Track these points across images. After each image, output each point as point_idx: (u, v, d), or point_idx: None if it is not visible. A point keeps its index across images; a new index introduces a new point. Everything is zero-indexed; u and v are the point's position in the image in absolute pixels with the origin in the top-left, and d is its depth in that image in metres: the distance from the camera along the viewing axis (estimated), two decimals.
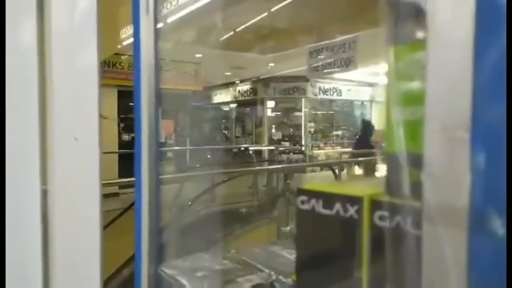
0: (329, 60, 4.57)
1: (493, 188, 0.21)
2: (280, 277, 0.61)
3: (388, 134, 0.28)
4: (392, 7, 0.27)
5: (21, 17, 0.64)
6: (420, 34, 0.24)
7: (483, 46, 0.22)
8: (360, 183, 0.37)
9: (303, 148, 9.78)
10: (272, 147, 8.60)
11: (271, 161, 8.08)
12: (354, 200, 0.31)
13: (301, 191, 0.36)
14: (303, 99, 10.16)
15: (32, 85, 0.61)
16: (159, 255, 0.62)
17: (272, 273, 0.61)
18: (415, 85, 0.26)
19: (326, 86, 10.11)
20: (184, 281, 0.60)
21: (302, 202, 0.35)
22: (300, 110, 10.31)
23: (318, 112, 10.74)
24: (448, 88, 0.22)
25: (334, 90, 10.31)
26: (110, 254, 0.66)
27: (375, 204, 0.30)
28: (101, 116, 0.64)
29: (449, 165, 0.22)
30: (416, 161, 0.24)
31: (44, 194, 0.61)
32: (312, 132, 10.59)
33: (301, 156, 9.02)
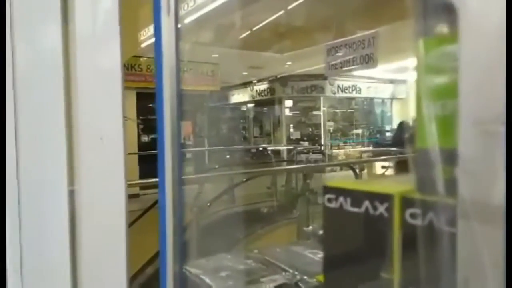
0: (347, 57, 4.52)
1: None
2: (305, 277, 0.60)
3: (419, 130, 0.28)
4: None
5: (46, 21, 0.65)
6: (450, 26, 0.23)
7: None
8: (388, 181, 0.36)
9: (322, 148, 9.70)
10: (291, 147, 8.57)
11: (289, 161, 8.04)
12: (384, 198, 0.31)
13: (328, 189, 0.36)
14: (321, 98, 10.07)
15: (58, 87, 0.63)
16: (183, 254, 0.62)
17: (296, 273, 0.61)
18: (446, 78, 0.25)
19: (345, 84, 9.99)
20: (208, 280, 0.60)
21: (329, 200, 0.35)
22: (318, 109, 10.23)
23: (337, 111, 10.63)
24: (481, 81, 0.21)
25: (353, 88, 10.19)
26: (131, 254, 0.67)
27: (406, 202, 0.29)
28: (126, 118, 0.65)
29: (484, 160, 0.22)
30: (449, 157, 0.23)
31: (72, 194, 0.62)
32: (331, 131, 10.49)
33: (320, 155, 8.94)
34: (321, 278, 0.60)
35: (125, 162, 0.62)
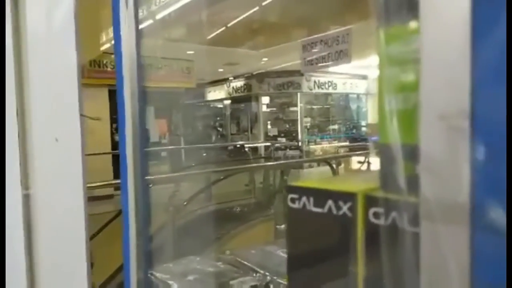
0: (323, 54, 4.53)
1: (494, 181, 0.19)
2: (275, 278, 0.59)
3: (381, 125, 0.26)
4: None
5: None
6: (412, 15, 0.22)
7: (482, 26, 0.20)
8: (355, 178, 0.35)
9: (299, 144, 9.77)
10: (268, 144, 8.58)
11: (267, 158, 8.06)
12: (347, 197, 0.29)
13: (291, 188, 0.34)
14: (298, 94, 10.13)
15: (9, 88, 0.59)
16: (148, 259, 0.59)
17: (267, 274, 0.59)
18: (408, 70, 0.24)
19: (322, 80, 10.09)
20: (175, 285, 0.57)
21: (293, 200, 0.33)
22: (295, 105, 10.28)
23: (314, 107, 10.72)
24: (445, 73, 0.20)
25: (329, 83, 10.30)
26: (105, 257, 0.64)
27: (370, 201, 0.28)
28: (95, 118, 0.62)
29: (447, 156, 0.20)
30: (412, 153, 0.22)
31: (27, 198, 0.58)
32: (308, 127, 10.57)
33: (297, 152, 9.00)
34: None
35: (84, 164, 0.58)
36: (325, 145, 10.46)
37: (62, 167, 0.59)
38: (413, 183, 0.22)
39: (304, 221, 0.32)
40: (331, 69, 8.54)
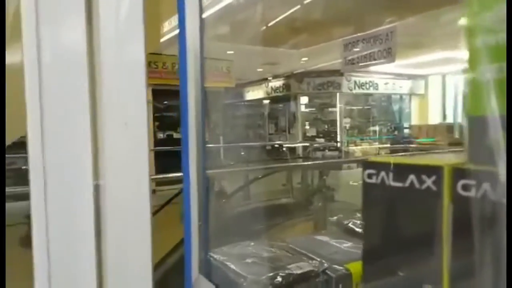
0: (365, 53, 4.45)
1: None
2: (334, 266, 0.59)
3: (471, 97, 0.26)
4: None
5: (70, 16, 0.65)
6: None
7: None
8: (434, 157, 0.34)
9: (338, 145, 9.62)
10: (306, 144, 8.51)
11: (305, 158, 8.00)
12: (432, 170, 0.29)
13: (369, 164, 0.34)
14: (337, 94, 9.97)
15: (83, 84, 0.63)
16: (208, 241, 0.62)
17: (324, 261, 0.59)
18: (499, 40, 0.23)
19: (362, 80, 9.87)
20: (233, 266, 0.59)
21: (370, 176, 0.33)
22: (334, 106, 10.13)
23: (354, 107, 10.51)
24: None
25: (370, 84, 10.05)
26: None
27: (458, 173, 0.27)
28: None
29: None
30: (502, 124, 0.21)
31: (97, 189, 0.62)
32: (347, 128, 10.38)
33: (336, 152, 8.86)
34: (350, 266, 0.59)
35: (150, 158, 0.62)
36: (365, 146, 10.21)
37: (130, 161, 0.63)
38: (502, 154, 0.22)
39: (382, 196, 0.32)
40: (372, 68, 8.33)
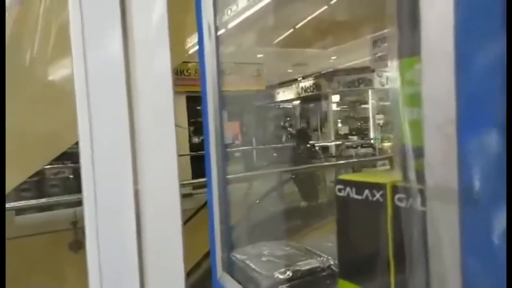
0: (395, 48, 4.36)
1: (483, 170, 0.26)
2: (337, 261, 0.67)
3: (398, 131, 0.34)
4: (400, 20, 0.33)
5: (106, 28, 0.75)
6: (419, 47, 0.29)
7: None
8: (388, 173, 0.42)
9: (372, 142, 9.46)
10: (339, 142, 8.45)
11: (338, 157, 7.95)
12: (379, 187, 0.38)
13: (339, 181, 0.43)
14: (369, 91, 9.82)
15: (120, 93, 0.73)
16: (229, 243, 0.72)
17: (330, 258, 0.68)
18: (416, 89, 0.31)
19: (395, 75, 9.64)
20: (252, 264, 0.69)
21: (339, 190, 0.42)
22: (367, 102, 9.98)
23: (387, 103, 10.28)
24: (436, 91, 0.27)
25: None
26: (188, 249, 0.77)
27: (395, 189, 0.36)
28: (182, 127, 0.75)
29: (441, 154, 0.28)
30: (420, 152, 0.30)
31: (137, 193, 0.74)
32: (381, 125, 10.18)
33: (370, 150, 8.74)
34: None
35: (178, 164, 0.72)
36: None
37: (161, 168, 0.74)
38: (421, 175, 0.30)
39: (347, 206, 0.41)
40: None
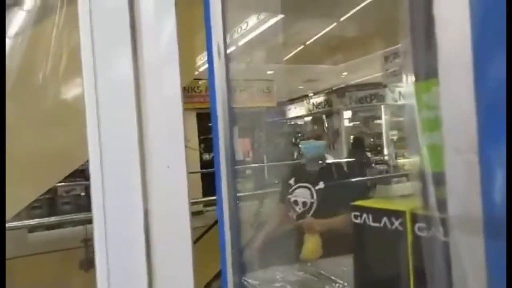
0: (407, 63, 4.34)
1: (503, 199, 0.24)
2: None
3: (422, 157, 0.32)
4: (414, 42, 0.32)
5: (116, 49, 0.76)
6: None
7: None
8: (404, 198, 0.41)
9: (386, 158, 9.33)
10: (352, 159, 8.35)
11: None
12: (398, 214, 0.36)
13: (354, 207, 0.41)
14: (382, 106, 9.75)
15: (130, 113, 0.74)
16: (242, 266, 0.70)
17: (346, 284, 0.65)
18: (437, 114, 0.30)
19: (408, 90, 9.56)
20: None
21: (356, 217, 0.40)
22: (380, 118, 9.90)
23: (401, 119, 10.19)
24: (457, 117, 0.26)
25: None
26: (198, 269, 0.76)
27: (415, 217, 0.34)
28: (193, 148, 0.75)
29: (463, 181, 0.26)
30: (441, 179, 0.28)
31: (146, 212, 0.73)
32: (395, 140, 10.05)
33: (384, 166, 8.60)
34: None
35: (189, 184, 0.72)
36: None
37: (172, 187, 0.73)
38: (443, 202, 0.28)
39: (364, 233, 0.39)
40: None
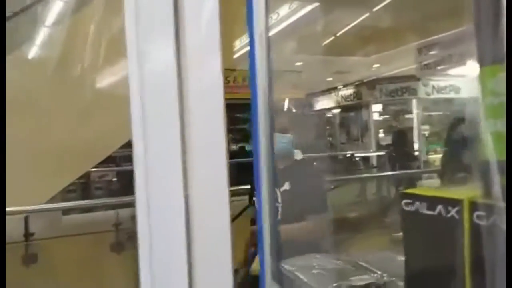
0: (442, 56, 4.23)
1: None
2: (393, 279, 0.64)
3: (483, 145, 0.31)
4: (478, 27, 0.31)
5: (158, 35, 0.76)
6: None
7: None
8: (460, 188, 0.40)
9: (416, 153, 9.09)
10: (381, 153, 8.19)
11: (380, 168, 7.70)
12: (455, 202, 0.35)
13: (406, 195, 0.41)
14: (414, 100, 9.47)
15: (172, 103, 0.75)
16: (279, 253, 0.71)
17: (385, 275, 0.65)
18: (501, 99, 0.29)
19: (441, 84, 9.24)
20: (302, 276, 0.67)
21: (407, 204, 0.40)
22: (411, 112, 9.63)
23: (433, 113, 9.88)
24: None
25: (451, 87, 9.36)
26: None
27: (474, 205, 0.33)
28: None
29: None
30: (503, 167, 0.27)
31: (187, 199, 0.75)
32: (426, 135, 9.76)
33: (414, 162, 8.40)
34: None
35: (228, 172, 0.73)
36: None
37: (211, 173, 0.74)
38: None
39: (417, 221, 0.39)
40: (452, 71, 7.78)
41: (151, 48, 0.73)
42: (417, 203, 0.39)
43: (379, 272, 0.66)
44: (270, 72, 0.75)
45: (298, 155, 2.09)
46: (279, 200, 1.62)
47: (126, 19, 0.75)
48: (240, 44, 4.78)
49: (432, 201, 0.38)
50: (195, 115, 0.75)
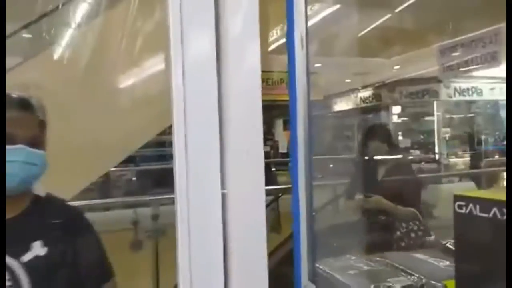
0: (465, 58, 4.15)
1: None
2: (432, 281, 0.64)
3: None
4: None
5: (199, 27, 0.76)
6: None
7: None
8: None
9: (436, 157, 8.92)
10: (399, 156, 8.06)
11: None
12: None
13: (459, 197, 0.41)
14: (435, 102, 9.30)
15: (212, 96, 0.75)
16: (313, 253, 0.72)
17: (422, 277, 0.65)
18: None
19: (463, 86, 9.04)
20: (339, 276, 0.68)
21: (460, 207, 0.40)
22: (431, 115, 9.46)
23: (454, 116, 9.68)
24: None
25: (473, 90, 9.15)
26: None
27: None
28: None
29: None
30: None
31: (224, 196, 0.76)
32: (447, 139, 9.57)
33: (434, 165, 8.24)
34: (448, 283, 0.63)
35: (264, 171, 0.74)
36: (468, 158, 9.28)
37: (249, 172, 0.76)
38: None
39: (470, 223, 0.39)
40: (475, 73, 7.61)
41: (191, 37, 0.72)
42: (471, 205, 0.40)
43: (416, 275, 0.67)
44: (309, 76, 0.76)
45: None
46: None
47: (170, 13, 0.74)
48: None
49: (486, 204, 0.38)
50: (233, 112, 0.75)
